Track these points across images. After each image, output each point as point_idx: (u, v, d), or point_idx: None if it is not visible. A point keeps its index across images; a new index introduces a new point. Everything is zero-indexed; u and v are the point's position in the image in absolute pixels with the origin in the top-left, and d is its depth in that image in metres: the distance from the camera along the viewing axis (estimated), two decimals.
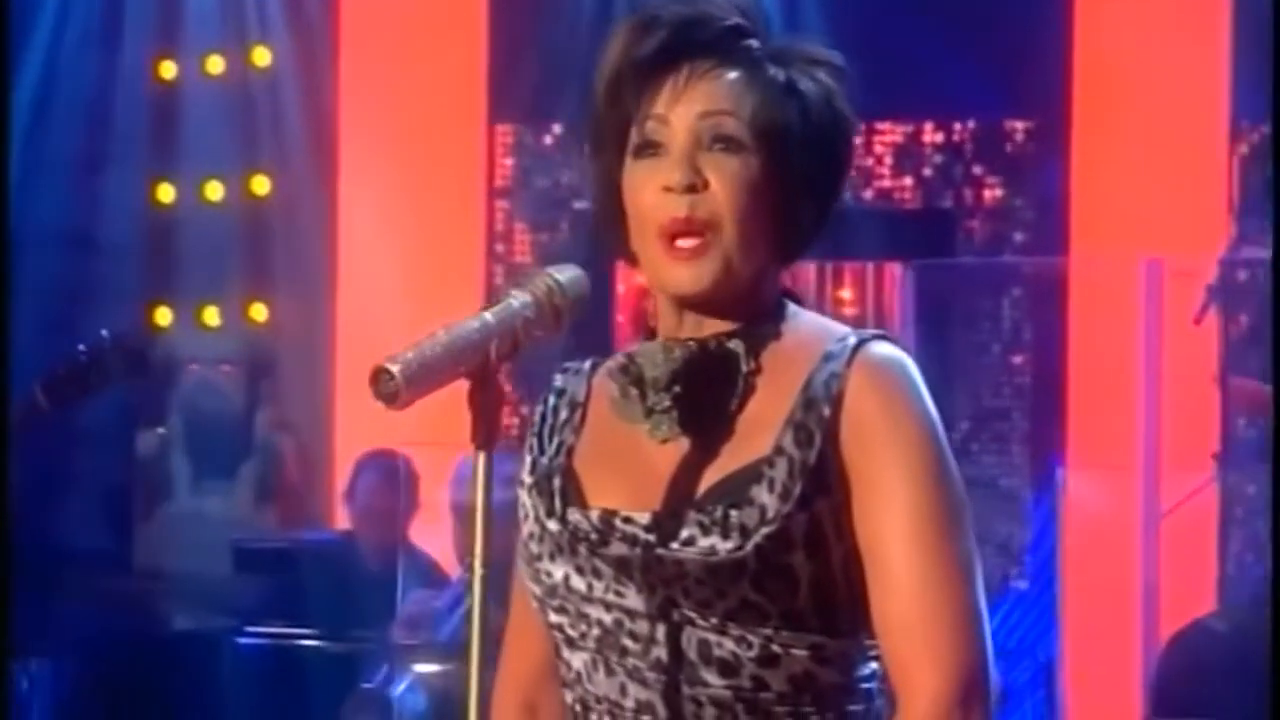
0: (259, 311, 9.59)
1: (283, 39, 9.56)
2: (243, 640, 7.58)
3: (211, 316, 9.55)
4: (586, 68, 8.44)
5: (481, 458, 2.38)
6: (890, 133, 9.62)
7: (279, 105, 9.73)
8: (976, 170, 9.65)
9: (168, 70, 9.48)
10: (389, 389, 2.28)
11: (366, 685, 6.82)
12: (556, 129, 9.45)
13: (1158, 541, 8.36)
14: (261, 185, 9.42)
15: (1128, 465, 8.64)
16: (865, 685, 2.60)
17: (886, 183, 9.78)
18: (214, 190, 9.42)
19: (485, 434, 2.38)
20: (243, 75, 9.58)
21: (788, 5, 9.31)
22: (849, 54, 3.23)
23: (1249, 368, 9.45)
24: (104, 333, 4.81)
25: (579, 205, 9.31)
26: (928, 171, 9.68)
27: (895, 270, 9.67)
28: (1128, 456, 8.70)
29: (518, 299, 2.49)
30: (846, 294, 9.89)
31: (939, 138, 9.65)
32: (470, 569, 2.48)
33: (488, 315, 2.44)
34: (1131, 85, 9.34)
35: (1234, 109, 9.21)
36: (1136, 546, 8.36)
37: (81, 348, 4.66)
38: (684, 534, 2.50)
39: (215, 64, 9.53)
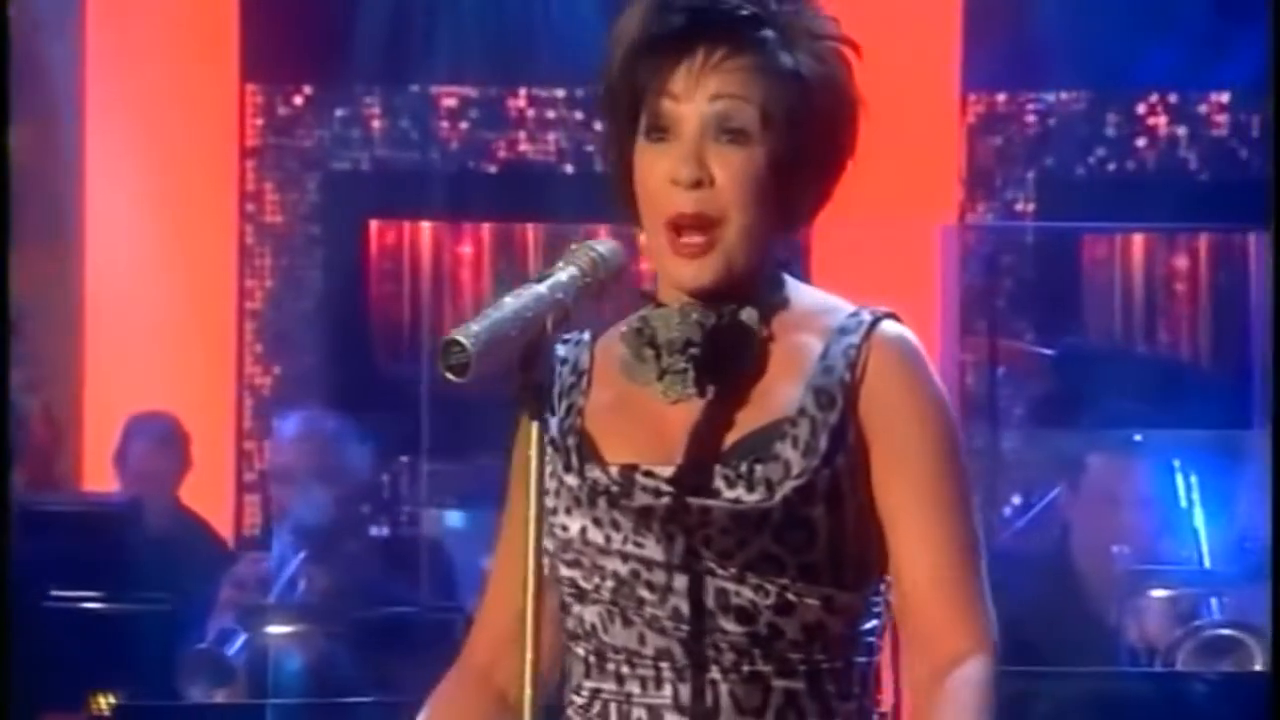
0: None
1: None
2: (46, 605, 7.23)
3: None
4: (336, 29, 8.34)
5: (535, 427, 2.42)
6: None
7: (21, 60, 8.86)
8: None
9: None
10: (459, 360, 2.29)
11: (200, 646, 6.71)
12: (307, 90, 9.41)
13: None
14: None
15: None
16: (868, 639, 2.65)
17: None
18: None
19: (537, 404, 2.42)
20: None
21: None
22: None
23: (1016, 330, 9.64)
24: None
25: (332, 165, 9.49)
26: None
27: None
28: None
29: (566, 272, 2.51)
30: None
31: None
32: (523, 535, 2.50)
33: (542, 288, 2.45)
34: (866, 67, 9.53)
35: (963, 81, 9.50)
36: None
37: None
38: (710, 486, 2.55)
39: None
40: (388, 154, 9.69)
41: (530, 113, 9.65)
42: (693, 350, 2.54)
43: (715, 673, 2.60)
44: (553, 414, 2.67)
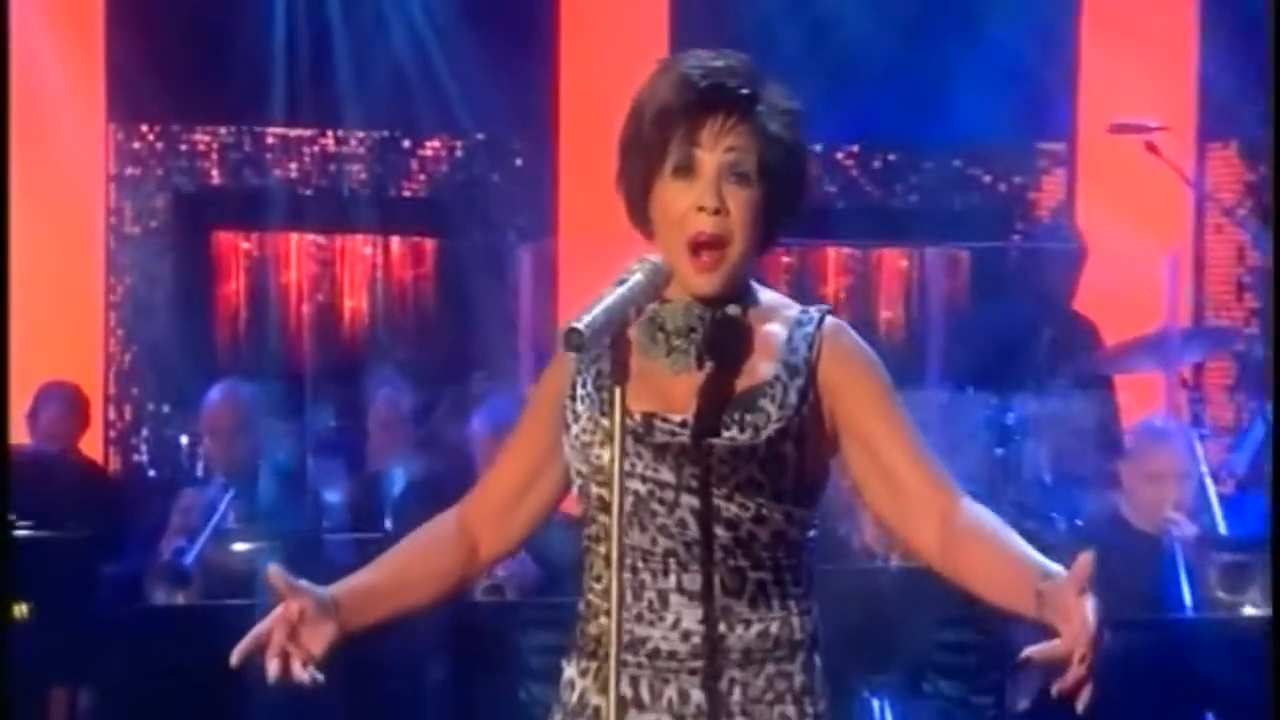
0: None
1: None
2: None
3: None
4: (183, 80, 9.59)
5: (619, 391, 2.85)
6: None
7: None
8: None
9: None
10: (578, 341, 2.79)
11: (164, 559, 6.86)
12: (158, 128, 9.87)
13: None
14: None
15: None
16: (811, 545, 3.15)
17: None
18: None
19: (620, 373, 2.86)
20: None
21: None
22: None
23: None
24: None
25: (179, 188, 9.95)
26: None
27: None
28: None
29: (636, 278, 2.98)
30: None
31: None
32: (600, 493, 2.99)
33: (625, 290, 2.92)
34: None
35: None
36: None
37: None
38: (713, 430, 3.03)
39: None
40: (224, 180, 10.02)
41: (335, 149, 10.04)
42: (694, 335, 3.01)
43: (708, 566, 3.06)
44: (584, 378, 3.15)
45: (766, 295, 3.12)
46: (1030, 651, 2.81)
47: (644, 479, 2.97)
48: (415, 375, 9.09)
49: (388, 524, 7.50)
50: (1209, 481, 6.61)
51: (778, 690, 3.05)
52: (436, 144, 9.96)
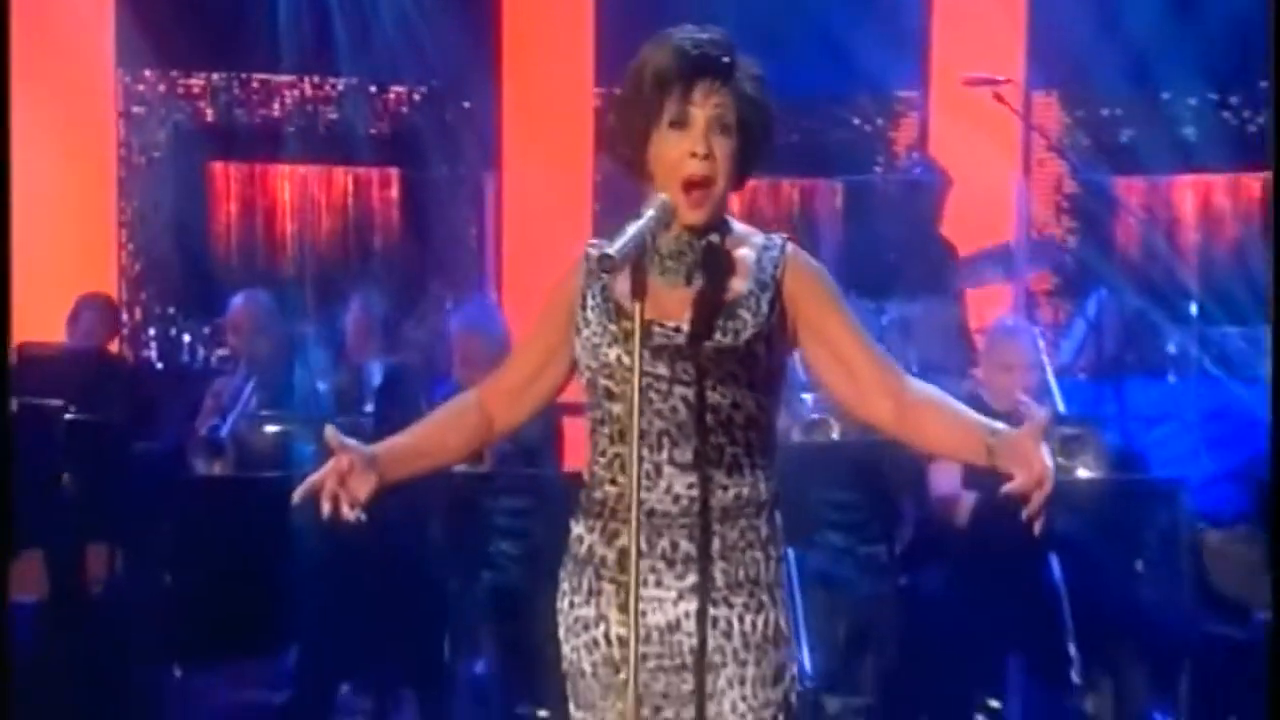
0: None
1: None
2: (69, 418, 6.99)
3: None
4: (185, 30, 9.03)
5: (638, 306, 2.91)
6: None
7: None
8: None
9: None
10: (610, 265, 2.86)
11: (201, 434, 6.82)
12: (160, 73, 9.70)
13: None
14: None
15: None
16: (772, 426, 3.20)
17: None
18: None
19: (641, 290, 2.92)
20: None
21: None
22: None
23: None
24: None
25: (179, 124, 9.80)
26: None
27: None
28: None
29: (650, 212, 3.02)
30: None
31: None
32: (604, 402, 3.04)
33: (642, 223, 2.95)
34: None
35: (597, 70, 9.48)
36: None
37: None
38: (702, 334, 3.09)
39: None
40: (216, 118, 9.90)
41: (311, 93, 9.90)
42: (684, 259, 3.10)
43: (694, 442, 3.11)
44: (592, 291, 3.16)
45: (738, 226, 3.17)
46: (1008, 489, 2.90)
47: (644, 374, 2.97)
48: (385, 283, 9.02)
49: (368, 407, 7.44)
50: (1049, 370, 6.62)
51: (748, 540, 3.10)
52: (400, 89, 9.85)
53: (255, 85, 9.93)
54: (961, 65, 8.92)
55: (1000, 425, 3.04)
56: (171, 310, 9.41)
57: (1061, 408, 6.48)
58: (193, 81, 9.85)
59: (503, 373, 3.33)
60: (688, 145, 3.00)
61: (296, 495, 3.16)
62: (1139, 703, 5.77)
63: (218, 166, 9.95)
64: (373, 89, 9.82)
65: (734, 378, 3.06)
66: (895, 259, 7.94)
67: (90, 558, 6.75)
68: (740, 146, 3.04)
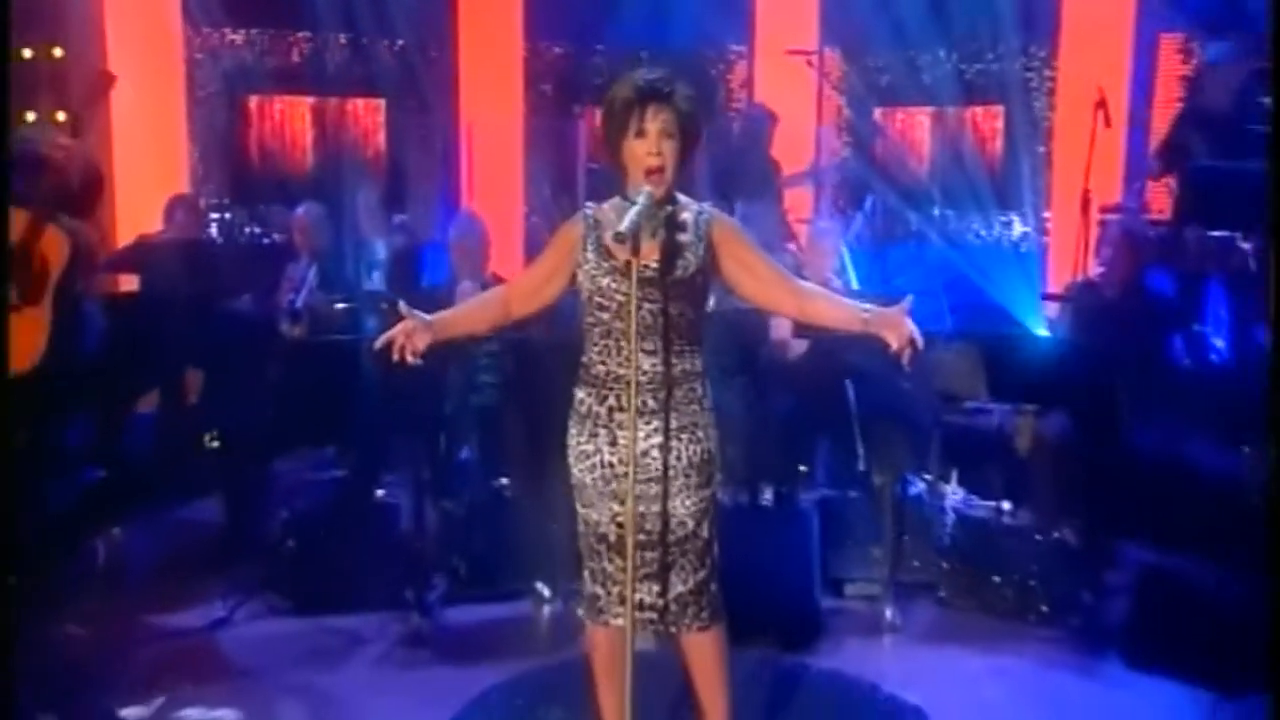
0: None
1: None
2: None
3: None
4: None
5: (634, 266, 3.05)
6: None
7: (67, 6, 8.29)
8: None
9: None
10: (622, 239, 2.99)
11: (283, 307, 6.51)
12: (215, 29, 9.37)
13: None
14: None
15: None
16: (702, 326, 3.30)
17: None
18: None
19: (636, 248, 3.01)
20: None
21: None
22: None
23: None
24: None
25: (227, 65, 9.54)
26: None
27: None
28: None
29: (643, 200, 3.11)
30: None
31: None
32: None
33: (640, 208, 3.05)
34: None
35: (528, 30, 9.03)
36: None
37: None
38: (665, 268, 3.21)
39: None
40: (251, 63, 9.67)
41: (320, 46, 9.62)
42: (651, 222, 3.17)
43: (657, 336, 3.24)
44: (591, 238, 3.25)
45: (683, 199, 3.31)
46: (892, 350, 3.11)
47: (624, 295, 3.20)
48: (379, 184, 8.91)
49: (377, 279, 7.34)
50: (847, 256, 6.64)
51: (690, 398, 3.31)
52: (385, 42, 9.50)
53: (279, 39, 9.74)
54: (775, 27, 9.15)
55: (869, 307, 3.22)
56: (226, 202, 9.25)
57: (855, 284, 6.35)
58: (234, 36, 9.64)
59: (520, 279, 3.47)
60: (647, 148, 3.16)
61: (378, 343, 3.30)
62: (900, 463, 5.61)
63: (253, 99, 9.77)
64: (364, 41, 9.49)
65: (682, 296, 3.24)
66: (741, 172, 7.85)
67: (199, 386, 6.53)
68: (680, 146, 3.19)
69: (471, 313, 3.49)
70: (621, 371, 3.19)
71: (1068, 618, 5.04)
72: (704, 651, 3.43)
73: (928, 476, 5.83)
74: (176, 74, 9.01)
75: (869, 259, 7.08)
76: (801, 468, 5.93)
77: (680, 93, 3.17)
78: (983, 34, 8.75)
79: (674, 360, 3.26)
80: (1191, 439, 5.39)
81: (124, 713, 4.23)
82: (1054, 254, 8.24)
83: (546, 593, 5.24)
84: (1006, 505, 5.65)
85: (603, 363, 3.25)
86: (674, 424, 3.26)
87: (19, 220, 4.56)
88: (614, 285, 3.19)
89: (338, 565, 5.21)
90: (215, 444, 6.22)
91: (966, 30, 8.82)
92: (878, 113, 9.33)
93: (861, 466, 5.55)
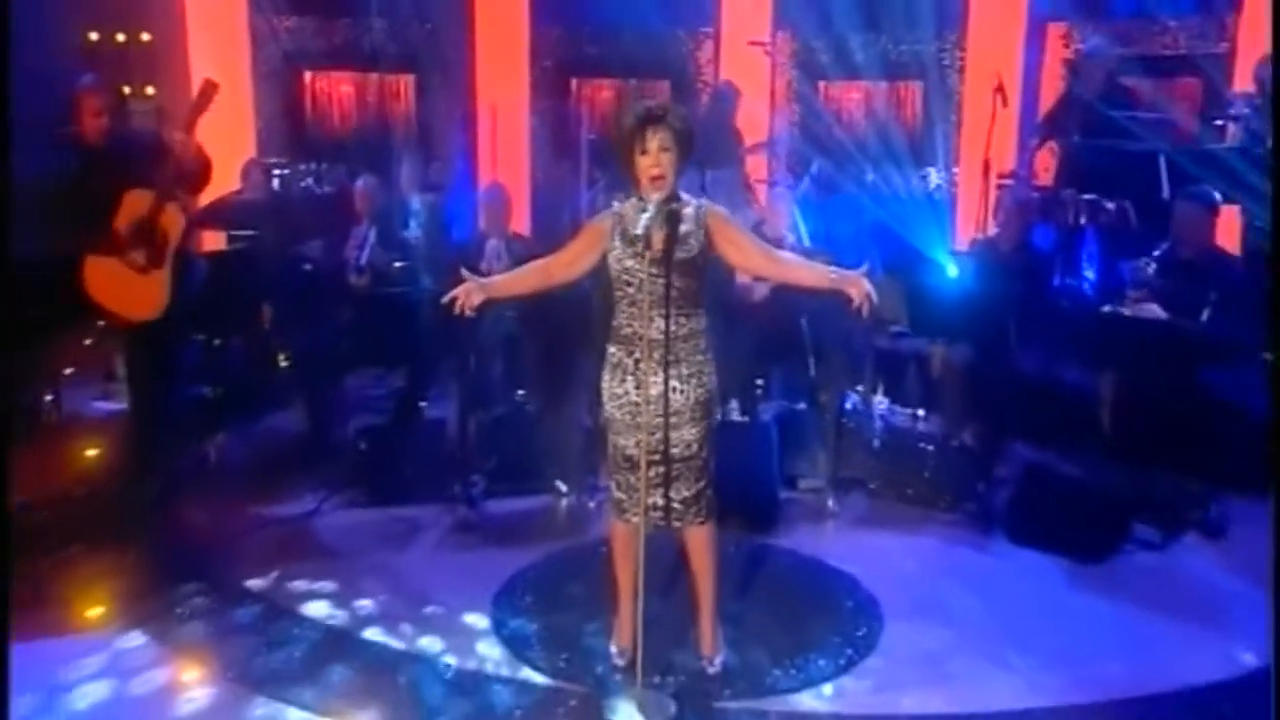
0: None
1: None
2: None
3: None
4: None
5: (650, 253, 3.08)
6: None
7: None
8: None
9: None
10: (635, 236, 3.10)
11: (350, 261, 6.40)
12: (277, 13, 9.12)
13: None
14: None
15: None
16: (703, 294, 3.35)
17: None
18: None
19: (650, 241, 3.07)
20: None
21: None
22: None
23: None
24: None
25: (286, 46, 9.26)
26: None
27: None
28: None
29: (654, 204, 3.18)
30: None
31: None
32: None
33: (653, 210, 3.14)
34: None
35: None
36: None
37: None
38: (676, 251, 3.26)
39: None
40: (305, 44, 9.40)
41: (360, 29, 9.35)
42: (659, 217, 3.24)
43: (669, 304, 3.31)
44: (620, 227, 3.32)
45: (685, 196, 3.38)
46: (854, 305, 3.20)
47: (642, 272, 3.30)
48: (412, 147, 8.65)
49: (414, 227, 7.08)
50: (799, 215, 6.42)
51: (696, 349, 3.41)
52: (416, 25, 9.24)
53: (327, 23, 9.46)
54: (737, 12, 9.06)
55: (834, 269, 3.32)
56: (285, 161, 8.78)
57: (806, 241, 6.28)
58: (289, 22, 9.39)
59: (559, 256, 3.51)
60: (650, 162, 3.27)
61: (446, 299, 3.41)
62: (840, 381, 5.67)
63: (306, 74, 9.53)
64: (397, 25, 9.26)
65: (686, 273, 3.36)
66: (709, 142, 7.36)
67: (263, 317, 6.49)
68: (676, 156, 3.28)
69: (519, 278, 3.53)
70: (643, 332, 3.29)
71: (966, 504, 5.14)
72: (700, 541, 3.58)
73: (860, 389, 5.89)
74: (244, 53, 8.89)
75: (815, 211, 6.99)
76: (759, 381, 5.94)
77: (673, 115, 3.24)
78: (907, 21, 8.73)
79: (682, 321, 3.35)
80: (1063, 364, 5.44)
81: (249, 583, 4.42)
82: (961, 208, 8.30)
83: (564, 489, 5.32)
84: (921, 413, 5.84)
85: (629, 325, 3.35)
86: (684, 371, 3.36)
87: (145, 200, 4.67)
88: (636, 266, 3.28)
89: (399, 466, 5.25)
90: (287, 363, 6.31)
91: (894, 17, 8.67)
92: (821, 86, 9.16)
93: (812, 374, 5.57)
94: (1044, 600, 4.35)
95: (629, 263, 3.30)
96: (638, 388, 3.37)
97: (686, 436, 3.42)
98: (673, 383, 3.36)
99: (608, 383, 3.44)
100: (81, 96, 4.57)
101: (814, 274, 3.36)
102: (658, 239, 3.27)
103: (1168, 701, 3.66)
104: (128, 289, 4.66)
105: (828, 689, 3.73)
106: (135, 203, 4.65)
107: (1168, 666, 3.85)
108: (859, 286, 3.22)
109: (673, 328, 3.33)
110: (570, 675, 3.74)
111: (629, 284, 3.31)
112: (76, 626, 4.01)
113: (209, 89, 4.45)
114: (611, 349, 3.45)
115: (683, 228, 3.29)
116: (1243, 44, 7.31)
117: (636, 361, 3.34)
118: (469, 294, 3.40)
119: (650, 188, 3.23)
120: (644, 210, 3.22)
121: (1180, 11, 7.70)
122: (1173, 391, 4.71)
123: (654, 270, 3.25)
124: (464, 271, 3.45)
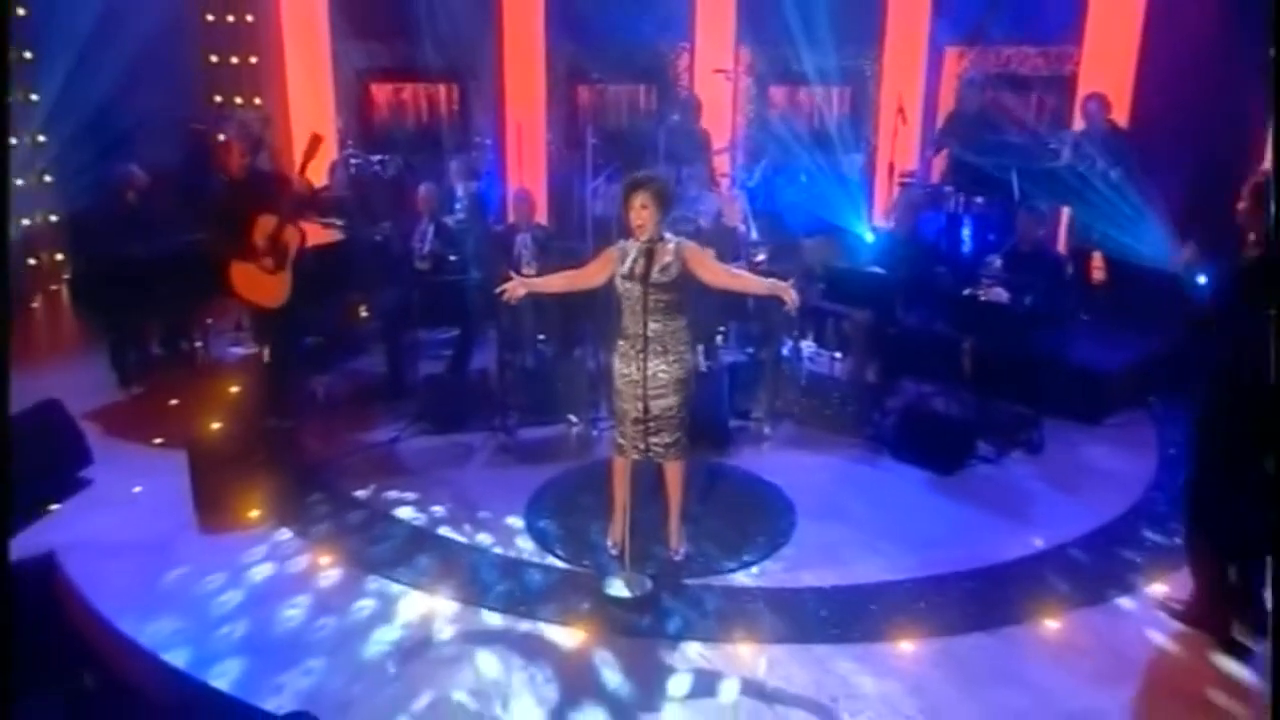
0: None
1: None
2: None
3: None
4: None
5: (642, 283, 3.06)
6: None
7: None
8: None
9: None
10: (632, 270, 3.13)
11: (414, 249, 6.21)
12: (345, 36, 8.66)
13: None
14: None
15: None
16: (687, 304, 3.50)
17: None
18: None
19: (643, 269, 3.09)
20: None
21: None
22: None
23: None
24: None
25: (356, 60, 8.94)
26: None
27: None
28: None
29: (638, 248, 3.30)
30: None
31: None
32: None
33: (636, 253, 3.18)
34: None
35: None
36: None
37: None
38: (660, 277, 3.42)
39: None
40: (371, 60, 9.07)
41: (412, 43, 8.81)
42: (644, 249, 3.43)
43: (660, 313, 3.51)
44: (625, 260, 3.45)
45: (667, 235, 3.61)
46: (787, 306, 3.35)
47: (634, 292, 3.55)
48: (457, 144, 8.50)
49: (459, 211, 6.90)
50: (748, 208, 6.40)
51: (680, 341, 3.58)
52: (450, 37, 8.71)
53: (385, 45, 9.03)
54: (707, 30, 8.56)
55: (772, 280, 3.52)
56: (358, 153, 8.46)
57: (754, 234, 6.19)
58: (358, 44, 9.00)
59: (581, 270, 3.72)
60: (634, 216, 3.55)
61: (497, 290, 3.61)
62: (777, 332, 5.60)
63: (373, 84, 9.20)
64: (438, 41, 8.74)
65: (667, 290, 3.62)
66: (683, 142, 7.48)
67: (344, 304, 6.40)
68: (655, 211, 3.53)
69: (552, 282, 3.77)
70: (639, 331, 3.57)
71: (865, 429, 5.33)
72: (674, 472, 3.95)
73: (794, 335, 5.93)
74: (326, 69, 8.81)
75: (765, 193, 6.88)
76: (720, 328, 5.97)
77: (654, 183, 3.51)
78: (837, 39, 8.51)
79: (668, 323, 3.62)
80: (936, 320, 5.57)
81: (356, 493, 4.73)
82: (878, 191, 8.34)
83: (575, 420, 5.47)
84: (839, 355, 5.95)
85: (630, 326, 3.63)
86: (670, 358, 3.65)
87: (272, 221, 4.99)
88: (631, 286, 3.56)
89: (455, 403, 5.45)
90: (365, 314, 6.45)
91: (829, 34, 8.27)
92: (772, 91, 8.77)
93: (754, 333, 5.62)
94: (912, 502, 4.62)
95: (627, 284, 3.61)
96: (637, 370, 3.67)
97: (669, 403, 3.74)
98: (661, 366, 3.65)
99: (617, 366, 3.72)
100: (229, 143, 4.93)
101: (759, 284, 3.62)
102: (639, 269, 3.61)
103: (991, 573, 4.03)
104: (261, 286, 5.01)
105: (755, 570, 4.07)
106: (265, 223, 4.96)
107: (991, 549, 4.19)
108: (789, 293, 3.51)
109: (660, 327, 3.59)
110: (579, 561, 4.09)
111: (627, 298, 3.61)
112: (246, 524, 4.40)
113: (316, 142, 4.68)
114: (620, 342, 3.74)
115: (665, 259, 3.55)
116: (1085, 68, 7.43)
117: (638, 352, 3.62)
118: (514, 289, 3.69)
119: (637, 233, 3.53)
120: (634, 250, 3.57)
121: (1042, 39, 7.74)
122: (1009, 349, 5.05)
123: (641, 290, 3.55)
124: (512, 274, 3.80)
